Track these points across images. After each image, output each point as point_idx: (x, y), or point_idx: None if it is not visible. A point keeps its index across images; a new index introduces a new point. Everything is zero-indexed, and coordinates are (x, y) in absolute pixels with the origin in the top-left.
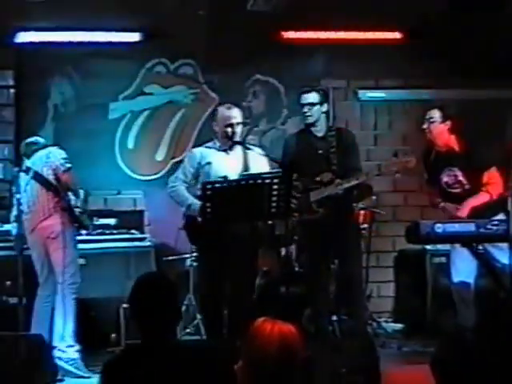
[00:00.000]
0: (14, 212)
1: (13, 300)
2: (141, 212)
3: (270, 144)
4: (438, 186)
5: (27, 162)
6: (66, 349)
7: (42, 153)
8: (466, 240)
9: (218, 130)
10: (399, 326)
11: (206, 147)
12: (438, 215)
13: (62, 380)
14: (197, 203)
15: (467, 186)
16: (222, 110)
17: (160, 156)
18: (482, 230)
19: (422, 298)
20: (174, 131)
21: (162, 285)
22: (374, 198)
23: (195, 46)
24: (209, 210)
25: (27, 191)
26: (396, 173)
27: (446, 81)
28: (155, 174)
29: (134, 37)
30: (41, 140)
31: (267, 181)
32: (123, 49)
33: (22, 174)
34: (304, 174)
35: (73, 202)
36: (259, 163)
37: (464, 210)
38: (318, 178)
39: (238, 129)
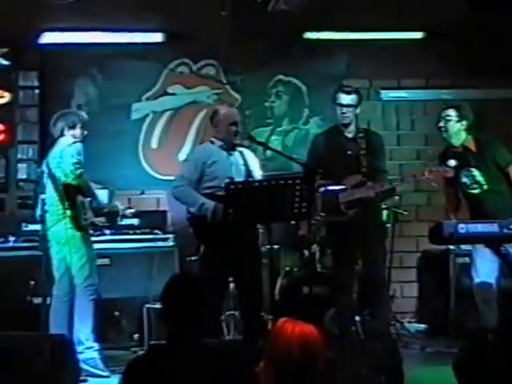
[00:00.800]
0: (39, 212)
1: (37, 300)
2: (164, 212)
3: (292, 144)
4: (457, 187)
5: (44, 162)
6: (84, 350)
7: (56, 150)
8: (489, 240)
9: (221, 130)
10: (422, 326)
11: (209, 146)
12: (463, 215)
13: (85, 380)
14: (209, 203)
15: (486, 187)
16: (225, 110)
17: (183, 156)
18: (505, 231)
19: (445, 298)
20: (197, 131)
21: (192, 286)
22: (396, 198)
23: (218, 47)
24: (231, 210)
25: (46, 189)
26: (433, 182)
27: (468, 81)
28: None
29: (157, 37)
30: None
31: (290, 182)
32: (146, 49)
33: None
34: (331, 174)
35: (94, 204)
36: (255, 163)
37: None
38: (345, 180)
39: (239, 128)
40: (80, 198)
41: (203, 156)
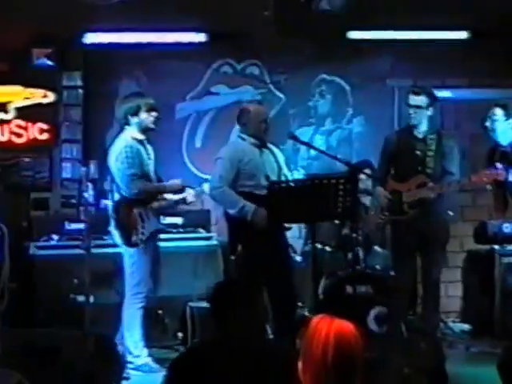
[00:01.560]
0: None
1: (80, 298)
2: (208, 211)
3: (336, 144)
4: (505, 187)
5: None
6: (133, 360)
7: (115, 148)
8: None
9: (251, 127)
10: (467, 326)
11: (241, 143)
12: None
13: (127, 378)
14: (250, 206)
15: None
16: (255, 107)
17: None
18: None
19: (490, 298)
20: None
21: (241, 287)
22: None
23: (261, 47)
24: (274, 209)
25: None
26: (487, 184)
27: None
28: None
29: (201, 37)
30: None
31: (333, 181)
32: (190, 49)
33: None
34: (397, 173)
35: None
36: (282, 160)
37: None
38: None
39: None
40: (135, 210)
41: (239, 154)
